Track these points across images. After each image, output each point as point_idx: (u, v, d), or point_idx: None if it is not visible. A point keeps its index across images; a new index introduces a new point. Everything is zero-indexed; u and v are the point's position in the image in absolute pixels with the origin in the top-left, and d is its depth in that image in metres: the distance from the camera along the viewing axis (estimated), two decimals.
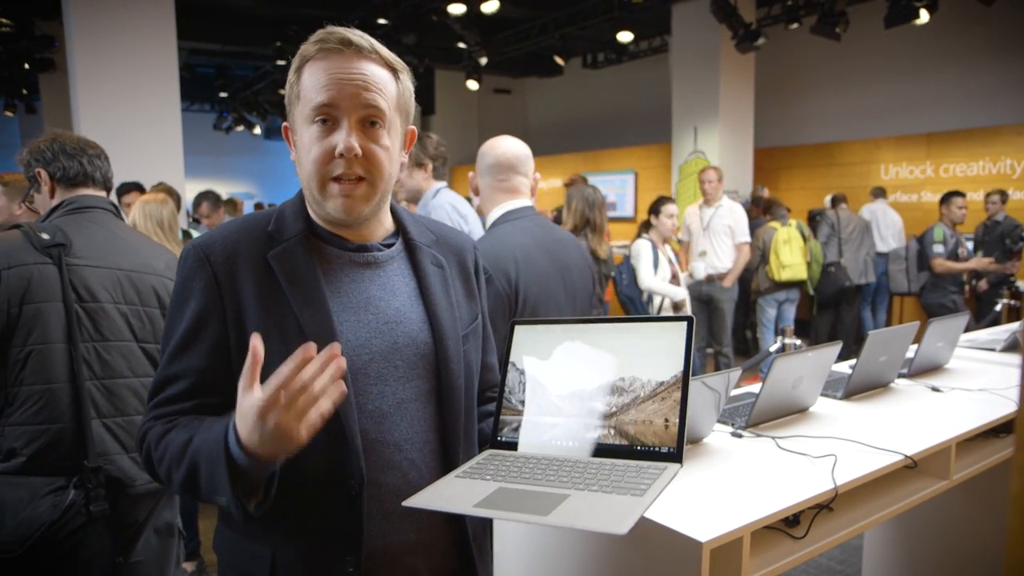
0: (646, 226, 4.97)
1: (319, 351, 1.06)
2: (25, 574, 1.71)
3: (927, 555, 2.48)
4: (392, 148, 1.13)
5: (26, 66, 9.79)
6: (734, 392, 1.94)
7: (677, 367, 1.11)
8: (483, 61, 9.33)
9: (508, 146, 2.05)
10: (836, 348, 1.84)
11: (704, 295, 5.75)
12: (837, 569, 3.25)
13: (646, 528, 1.20)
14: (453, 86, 12.91)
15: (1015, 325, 3.11)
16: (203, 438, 1.00)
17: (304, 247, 1.13)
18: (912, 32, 7.68)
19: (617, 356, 1.16)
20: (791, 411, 1.85)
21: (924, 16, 6.83)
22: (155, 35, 5.97)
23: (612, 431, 1.13)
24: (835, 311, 6.87)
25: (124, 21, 5.81)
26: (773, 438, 1.64)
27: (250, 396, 0.91)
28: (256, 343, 0.91)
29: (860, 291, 6.91)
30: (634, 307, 4.76)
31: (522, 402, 1.21)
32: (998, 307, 5.64)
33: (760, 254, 6.20)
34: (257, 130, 16.55)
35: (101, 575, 1.79)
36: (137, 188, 4.33)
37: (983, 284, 6.07)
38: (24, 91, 11.67)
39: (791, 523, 1.42)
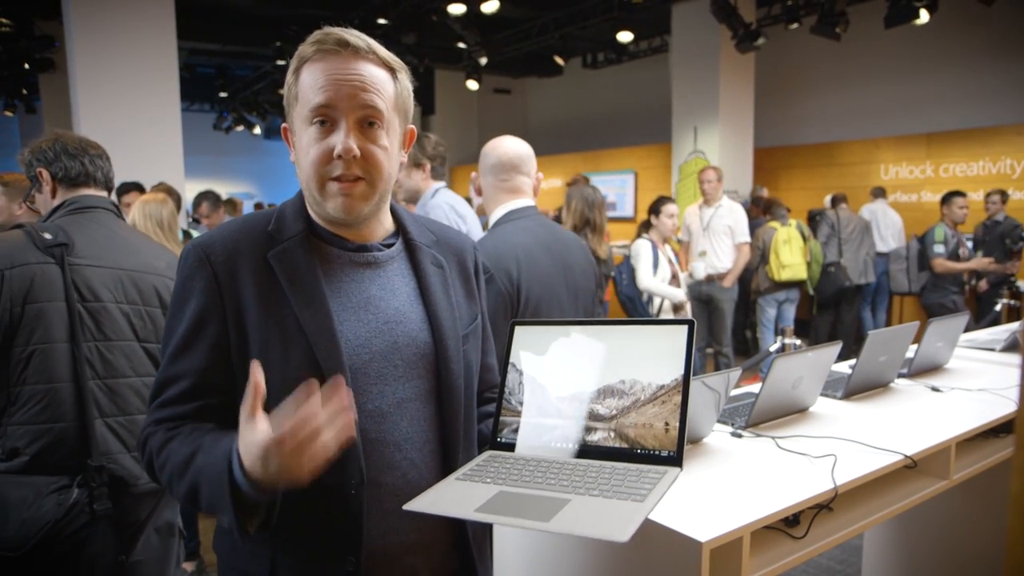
0: (646, 226, 4.97)
1: (319, 351, 1.07)
2: (29, 573, 1.71)
3: (927, 555, 2.48)
4: (391, 148, 1.14)
5: (26, 66, 9.80)
6: (734, 392, 1.94)
7: (678, 370, 1.11)
8: (483, 61, 9.33)
9: (510, 146, 2.05)
10: (836, 348, 1.84)
11: (704, 295, 5.76)
12: (837, 569, 3.25)
13: (646, 528, 1.20)
14: (453, 86, 12.91)
15: (1015, 325, 3.11)
16: (206, 458, 1.01)
17: (304, 247, 1.13)
18: (912, 32, 7.68)
19: (617, 358, 1.16)
20: (791, 411, 1.85)
21: (924, 16, 6.83)
22: (155, 35, 5.97)
23: (612, 434, 1.13)
24: (835, 311, 6.87)
25: (124, 21, 5.81)
26: (773, 438, 1.64)
27: (253, 429, 0.91)
28: (257, 374, 0.92)
29: (860, 291, 6.91)
30: (634, 307, 4.76)
31: (521, 403, 1.21)
32: (998, 307, 5.64)
33: (760, 254, 6.20)
34: (257, 130, 16.55)
35: (104, 574, 1.80)
36: (137, 188, 4.33)
37: (983, 284, 6.07)
38: (24, 91, 11.68)
39: (791, 523, 1.42)
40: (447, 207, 3.01)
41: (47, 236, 1.78)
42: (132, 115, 5.82)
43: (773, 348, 2.49)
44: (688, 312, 4.77)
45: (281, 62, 10.61)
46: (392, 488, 1.11)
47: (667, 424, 1.10)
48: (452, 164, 13.54)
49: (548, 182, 11.45)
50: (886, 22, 7.00)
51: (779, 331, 5.72)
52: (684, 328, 1.13)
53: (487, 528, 1.31)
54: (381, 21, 8.90)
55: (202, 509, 1.04)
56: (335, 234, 1.16)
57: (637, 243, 4.86)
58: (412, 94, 1.20)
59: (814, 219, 7.17)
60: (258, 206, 14.45)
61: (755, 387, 1.93)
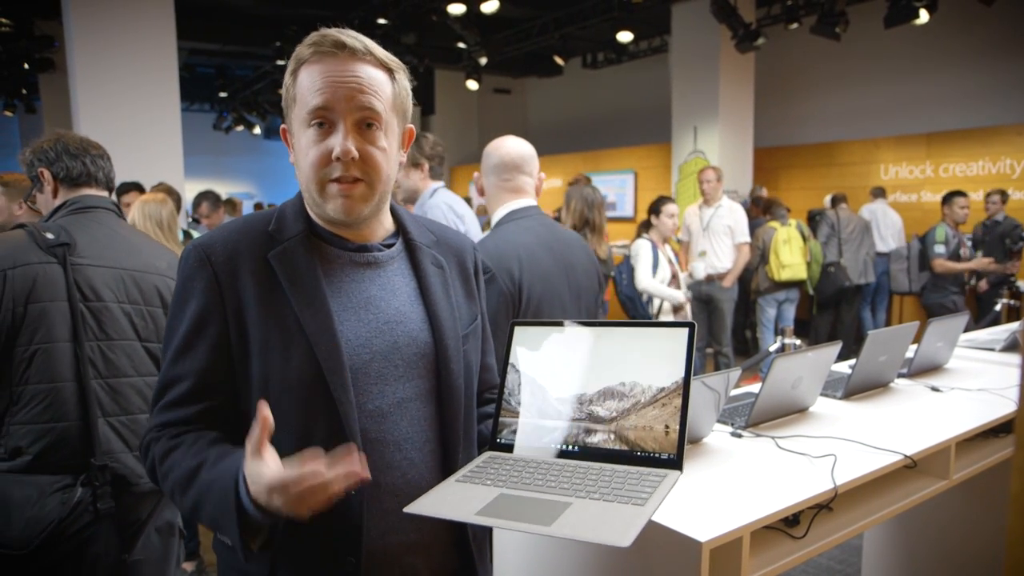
0: (646, 226, 4.97)
1: (319, 351, 1.07)
2: (33, 572, 1.72)
3: (927, 555, 2.48)
4: (389, 149, 1.14)
5: (26, 66, 9.80)
6: (734, 392, 1.94)
7: (678, 373, 1.11)
8: (483, 61, 9.33)
9: (512, 146, 2.05)
10: (836, 348, 1.84)
11: (704, 295, 5.76)
12: (837, 569, 3.25)
13: (646, 528, 1.20)
14: (453, 86, 12.91)
15: (1015, 325, 3.11)
16: (210, 475, 1.01)
17: (305, 247, 1.13)
18: (912, 32, 7.68)
19: (618, 360, 1.16)
20: (791, 411, 1.85)
21: (924, 16, 6.83)
22: (155, 35, 5.97)
23: (612, 436, 1.13)
24: (835, 311, 6.87)
25: (124, 21, 5.81)
26: (773, 438, 1.64)
27: (260, 462, 0.93)
28: (264, 410, 0.93)
29: (860, 291, 6.91)
30: (634, 307, 4.76)
31: (521, 403, 1.21)
32: (998, 307, 5.64)
33: (760, 254, 6.20)
34: (257, 130, 16.55)
35: (107, 573, 1.80)
36: (136, 188, 4.33)
37: (983, 284, 6.07)
38: (24, 91, 11.68)
39: (791, 523, 1.42)
40: (445, 207, 3.01)
41: (49, 236, 1.78)
42: (132, 115, 5.82)
43: (773, 348, 2.49)
44: (688, 313, 4.77)
45: (281, 62, 10.62)
46: (392, 488, 1.11)
47: (667, 427, 1.10)
48: (452, 164, 13.54)
49: (548, 182, 11.39)
50: (886, 22, 7.00)
51: (779, 331, 5.72)
52: (684, 331, 1.13)
53: (487, 528, 1.31)
54: (381, 21, 8.90)
55: (203, 523, 1.06)
56: (335, 234, 1.16)
57: (637, 243, 4.85)
58: (410, 94, 1.20)
59: (814, 219, 7.17)
60: (258, 206, 14.45)
61: (755, 387, 1.93)
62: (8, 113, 13.46)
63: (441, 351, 1.18)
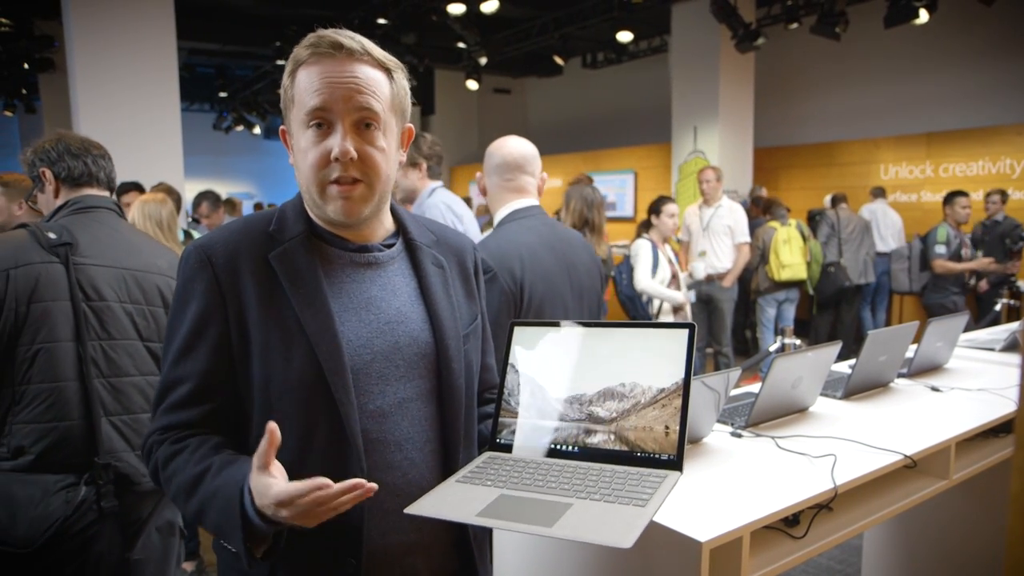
0: (646, 226, 4.97)
1: (320, 352, 1.07)
2: (37, 570, 1.72)
3: (927, 555, 2.48)
4: (388, 149, 1.13)
5: (26, 66, 9.80)
6: (734, 392, 1.94)
7: (678, 374, 1.11)
8: (483, 61, 9.32)
9: (515, 146, 2.06)
10: (836, 348, 1.84)
11: (704, 295, 5.76)
12: (837, 569, 3.25)
13: (646, 529, 1.20)
14: (453, 86, 12.91)
15: (1015, 325, 3.11)
16: (215, 483, 1.02)
17: (305, 247, 1.13)
18: (912, 32, 7.68)
19: (618, 361, 1.16)
20: (791, 411, 1.85)
21: (924, 16, 6.83)
22: (155, 35, 5.97)
23: (612, 436, 1.13)
24: (835, 311, 6.87)
25: (124, 21, 5.81)
26: (773, 438, 1.64)
27: (266, 475, 0.94)
28: (271, 426, 0.94)
29: (860, 291, 6.91)
30: (634, 307, 4.75)
31: (521, 404, 1.21)
32: (998, 307, 5.64)
33: (760, 254, 6.20)
34: (257, 130, 16.55)
35: (110, 571, 1.81)
36: (136, 188, 4.33)
37: (983, 284, 6.07)
38: (24, 91, 11.68)
39: (791, 523, 1.42)
40: (443, 207, 3.01)
41: (51, 235, 1.79)
42: (132, 115, 5.82)
43: (773, 348, 2.49)
44: (688, 313, 4.77)
45: (281, 62, 10.62)
46: (392, 488, 1.11)
47: (667, 428, 1.10)
48: (452, 164, 13.53)
49: (548, 182, 11.42)
50: (886, 22, 7.00)
51: (779, 331, 5.72)
52: (684, 332, 1.13)
53: (487, 529, 1.31)
54: (381, 21, 8.90)
55: (207, 529, 1.07)
56: (336, 235, 1.16)
57: (637, 243, 4.85)
58: (409, 93, 1.19)
59: (814, 219, 7.17)
60: (258, 206, 14.46)
61: (755, 387, 1.93)
62: (8, 113, 13.47)
63: (442, 351, 1.18)
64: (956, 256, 5.83)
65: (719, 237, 5.79)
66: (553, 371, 1.20)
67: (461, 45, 9.40)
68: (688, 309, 4.78)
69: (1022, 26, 7.66)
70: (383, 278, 1.18)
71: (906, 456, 1.52)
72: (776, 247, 6.11)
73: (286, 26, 9.47)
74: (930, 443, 1.60)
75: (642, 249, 4.74)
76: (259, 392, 1.10)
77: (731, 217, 5.80)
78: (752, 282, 6.42)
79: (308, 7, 9.15)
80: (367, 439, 1.10)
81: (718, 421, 1.73)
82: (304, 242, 1.13)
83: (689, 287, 5.34)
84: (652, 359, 1.14)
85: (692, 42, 8.76)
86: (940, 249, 5.82)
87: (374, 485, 0.94)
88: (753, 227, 6.26)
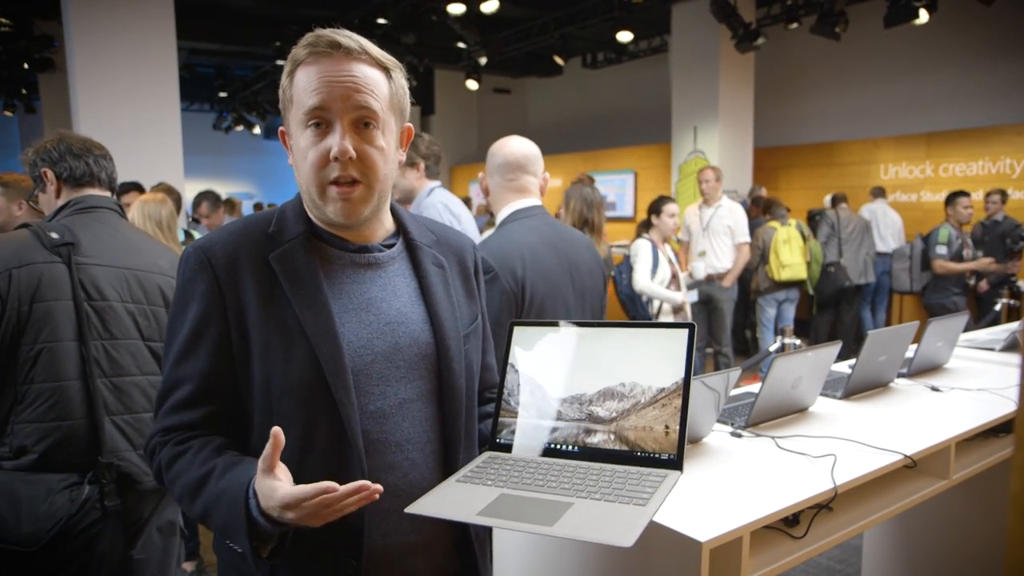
0: (646, 226, 4.96)
1: (321, 353, 1.07)
2: (41, 569, 1.73)
3: (927, 555, 2.48)
4: (387, 148, 1.13)
5: (26, 66, 9.79)
6: (734, 392, 1.94)
7: (678, 374, 1.11)
8: (483, 61, 9.32)
9: (517, 146, 2.06)
10: (835, 348, 1.84)
11: (704, 295, 5.76)
12: (837, 569, 3.25)
13: (646, 528, 1.20)
14: (453, 86, 12.91)
15: (1015, 325, 3.11)
16: (219, 485, 1.02)
17: (305, 248, 1.13)
18: (912, 32, 7.68)
19: (618, 361, 1.16)
20: (791, 411, 1.85)
21: (924, 16, 6.83)
22: (155, 35, 5.96)
23: (612, 436, 1.13)
24: (835, 311, 6.87)
25: (124, 21, 5.80)
26: (773, 438, 1.64)
27: (271, 477, 0.95)
28: (277, 430, 0.94)
29: (860, 291, 6.91)
30: (634, 307, 4.75)
31: (521, 404, 1.21)
32: (998, 307, 5.64)
33: (760, 254, 6.20)
34: (257, 130, 16.55)
35: (112, 570, 1.82)
36: (136, 188, 4.33)
37: (983, 285, 6.07)
38: (23, 91, 11.68)
39: (791, 523, 1.42)
40: (441, 206, 3.01)
41: (54, 235, 1.79)
42: (132, 115, 5.82)
43: (773, 348, 2.49)
44: (688, 313, 4.77)
45: (280, 62, 10.62)
46: (393, 489, 1.11)
47: (667, 427, 1.10)
48: (452, 164, 13.53)
49: (548, 182, 11.41)
50: (886, 22, 7.00)
51: (779, 331, 5.71)
52: (684, 331, 1.13)
53: (487, 528, 1.31)
54: (381, 21, 8.90)
55: (213, 530, 1.08)
56: (336, 235, 1.16)
57: (637, 243, 4.85)
58: (408, 92, 1.19)
59: (814, 219, 7.17)
60: (258, 206, 14.46)
61: (755, 387, 1.93)
62: (8, 113, 13.47)
63: (442, 351, 1.18)
64: (958, 256, 5.83)
65: (719, 237, 5.79)
66: (553, 371, 1.20)
67: (461, 45, 9.39)
68: (688, 309, 4.78)
69: (1022, 26, 7.66)
70: (383, 279, 1.18)
71: (906, 456, 1.52)
72: (776, 247, 6.11)
73: (286, 26, 9.47)
74: (930, 443, 1.60)
75: (642, 249, 4.73)
76: (259, 393, 1.10)
77: (731, 217, 5.80)
78: (752, 282, 6.42)
79: (308, 7, 9.15)
80: (368, 440, 1.10)
81: (718, 421, 1.73)
82: (304, 243, 1.13)
83: (690, 287, 5.34)
84: (652, 359, 1.14)
85: (692, 42, 8.76)
86: (941, 250, 5.81)
87: (379, 487, 0.94)
88: (753, 227, 6.26)
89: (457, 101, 13.56)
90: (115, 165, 2.06)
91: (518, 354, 1.23)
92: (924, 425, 1.73)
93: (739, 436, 1.67)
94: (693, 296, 5.33)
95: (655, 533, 1.20)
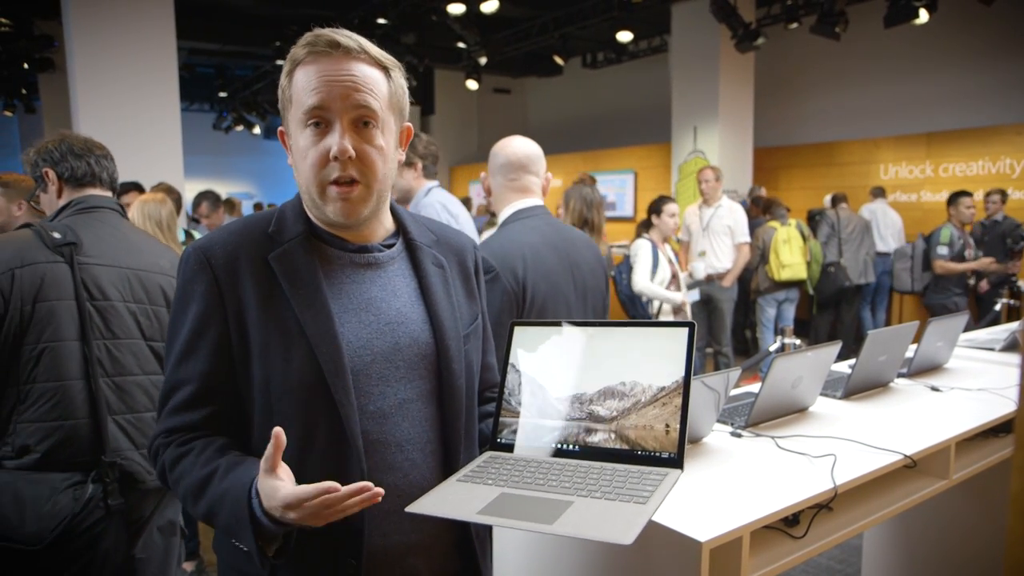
0: (646, 226, 4.96)
1: (320, 353, 1.07)
2: (46, 567, 1.73)
3: (927, 555, 2.48)
4: (387, 148, 1.13)
5: (25, 66, 9.80)
6: (734, 392, 1.94)
7: (678, 372, 1.11)
8: (483, 61, 9.32)
9: (519, 146, 2.06)
10: (835, 348, 1.84)
11: (704, 295, 5.76)
12: (837, 569, 3.25)
13: (646, 528, 1.20)
14: (453, 86, 12.91)
15: (1015, 325, 3.11)
16: (222, 485, 1.03)
17: (305, 248, 1.13)
18: (912, 32, 7.68)
19: (618, 360, 1.16)
20: (790, 411, 1.85)
21: (924, 16, 6.83)
22: (155, 35, 5.96)
23: (612, 435, 1.13)
24: (835, 311, 6.87)
25: (124, 21, 5.80)
26: (772, 438, 1.64)
27: (273, 477, 0.95)
28: (278, 431, 0.95)
29: (860, 291, 6.91)
30: (634, 307, 4.75)
31: (521, 403, 1.21)
32: (998, 307, 5.64)
33: (760, 254, 6.20)
34: (256, 130, 16.55)
35: (115, 569, 1.82)
36: (136, 188, 4.33)
37: (984, 285, 6.06)
38: (23, 91, 11.68)
39: (790, 523, 1.42)
40: (439, 206, 3.01)
41: (56, 235, 1.80)
42: (132, 115, 5.82)
43: (773, 348, 2.49)
44: (688, 313, 4.77)
45: (280, 62, 10.59)
46: (393, 489, 1.11)
47: (668, 426, 1.10)
48: (452, 164, 13.53)
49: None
50: (886, 22, 7.00)
51: (779, 331, 5.71)
52: (684, 330, 1.13)
53: (488, 528, 1.31)
54: (381, 21, 8.90)
55: (219, 530, 1.09)
56: (335, 235, 1.16)
57: (636, 243, 4.84)
58: (407, 92, 1.19)
59: (814, 219, 7.17)
60: (257, 206, 14.46)
61: (755, 387, 1.93)
62: (8, 113, 13.47)
63: (442, 352, 1.18)
64: (960, 257, 5.82)
65: (719, 237, 5.79)
66: (554, 370, 1.20)
67: (461, 45, 9.39)
68: (688, 309, 4.78)
69: (1022, 26, 7.66)
70: (383, 279, 1.18)
71: (906, 456, 1.52)
72: (776, 247, 6.11)
73: (286, 26, 9.47)
74: (930, 443, 1.60)
75: (641, 249, 4.73)
76: (259, 393, 1.10)
77: (731, 217, 5.80)
78: (752, 282, 6.42)
79: (308, 7, 9.14)
80: (367, 440, 1.10)
81: (718, 421, 1.73)
82: (303, 243, 1.13)
83: (690, 287, 5.34)
84: (652, 358, 1.14)
85: (692, 42, 8.76)
86: (942, 250, 5.81)
87: (380, 490, 0.95)
88: (753, 227, 6.26)
89: (457, 101, 13.56)
90: (116, 165, 2.06)
91: (519, 354, 1.23)
92: (924, 425, 1.73)
93: (739, 436, 1.67)
94: (695, 295, 5.33)
95: (655, 533, 1.20)
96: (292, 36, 1.27)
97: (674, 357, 1.12)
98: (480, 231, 4.77)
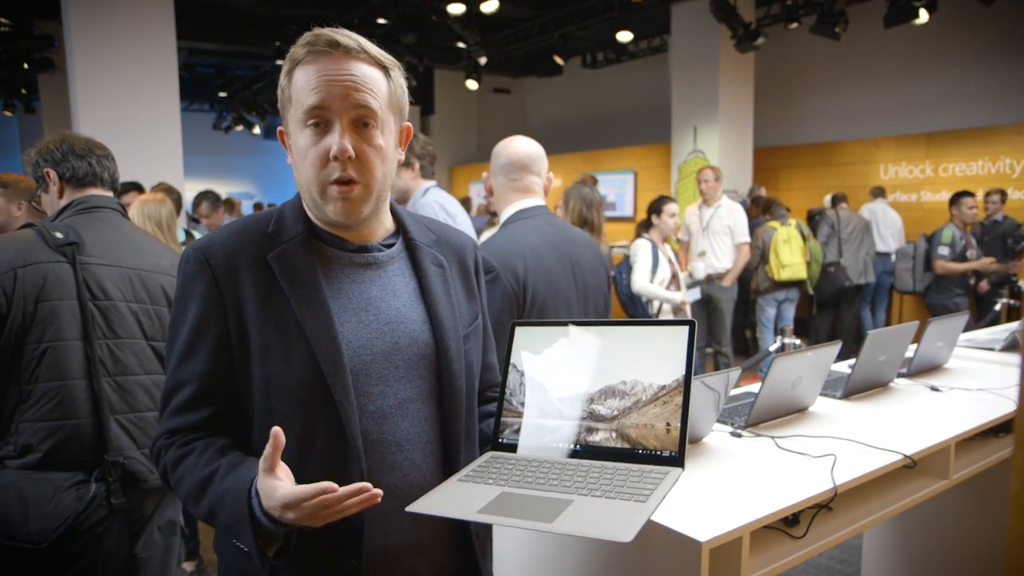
0: (646, 226, 4.96)
1: (320, 353, 1.07)
2: (49, 566, 1.74)
3: (927, 555, 2.48)
4: (386, 147, 1.13)
5: (25, 66, 9.80)
6: (733, 392, 1.94)
7: (679, 371, 1.11)
8: (483, 61, 9.32)
9: (520, 146, 2.06)
10: (835, 348, 1.84)
11: (704, 295, 5.76)
12: (836, 569, 3.25)
13: (646, 528, 1.20)
14: (453, 86, 12.91)
15: (1015, 325, 3.11)
16: (223, 485, 1.03)
17: (304, 248, 1.13)
18: (912, 32, 7.68)
19: (618, 359, 1.16)
20: (790, 411, 1.85)
21: (923, 16, 6.83)
22: (155, 35, 5.97)
23: (613, 434, 1.13)
24: (835, 311, 6.87)
25: (124, 21, 5.81)
26: (772, 438, 1.64)
27: (273, 478, 0.95)
28: (277, 430, 0.95)
29: (860, 291, 6.91)
30: (634, 307, 4.75)
31: (523, 403, 1.21)
32: (998, 307, 5.64)
33: (760, 254, 6.20)
34: (256, 130, 16.55)
35: (117, 568, 1.83)
36: (136, 188, 4.33)
37: (984, 285, 6.06)
38: (23, 91, 11.68)
39: (790, 523, 1.42)
40: (437, 206, 3.02)
41: (58, 235, 1.80)
42: (132, 115, 5.82)
43: (773, 348, 2.49)
44: (688, 313, 4.77)
45: (280, 62, 10.57)
46: (393, 489, 1.11)
47: (668, 424, 1.10)
48: (452, 164, 13.53)
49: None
50: (885, 22, 7.00)
51: (779, 331, 5.71)
52: (685, 329, 1.13)
53: (488, 528, 1.31)
54: (381, 21, 8.90)
55: (220, 530, 1.09)
56: (335, 235, 1.16)
57: (636, 243, 4.84)
58: (406, 91, 1.19)
59: (814, 219, 7.17)
60: (257, 206, 14.46)
61: (755, 387, 1.93)
62: (8, 113, 13.47)
63: (442, 351, 1.18)
64: (962, 257, 5.81)
65: (719, 237, 5.79)
66: (554, 370, 1.20)
67: (461, 45, 9.39)
68: (688, 308, 4.78)
69: (1022, 26, 7.66)
70: (383, 278, 1.18)
71: (906, 456, 1.52)
72: (776, 247, 6.11)
73: (286, 26, 9.46)
74: (930, 443, 1.60)
75: (641, 249, 4.73)
76: (259, 393, 1.10)
77: (731, 217, 5.80)
78: (752, 282, 6.42)
79: (308, 7, 9.13)
80: (367, 440, 1.10)
81: (718, 421, 1.73)
82: (303, 243, 1.13)
83: (690, 287, 5.33)
84: (653, 357, 1.14)
85: (692, 42, 8.76)
86: (943, 250, 5.80)
87: (379, 492, 0.95)
88: (753, 227, 6.26)
89: (457, 101, 13.56)
90: (117, 165, 2.07)
91: (520, 354, 1.23)
92: (924, 425, 1.73)
93: (739, 436, 1.67)
94: (696, 294, 5.32)
95: (655, 533, 1.20)
96: (292, 36, 1.26)
97: (674, 356, 1.12)
98: (480, 231, 4.77)
